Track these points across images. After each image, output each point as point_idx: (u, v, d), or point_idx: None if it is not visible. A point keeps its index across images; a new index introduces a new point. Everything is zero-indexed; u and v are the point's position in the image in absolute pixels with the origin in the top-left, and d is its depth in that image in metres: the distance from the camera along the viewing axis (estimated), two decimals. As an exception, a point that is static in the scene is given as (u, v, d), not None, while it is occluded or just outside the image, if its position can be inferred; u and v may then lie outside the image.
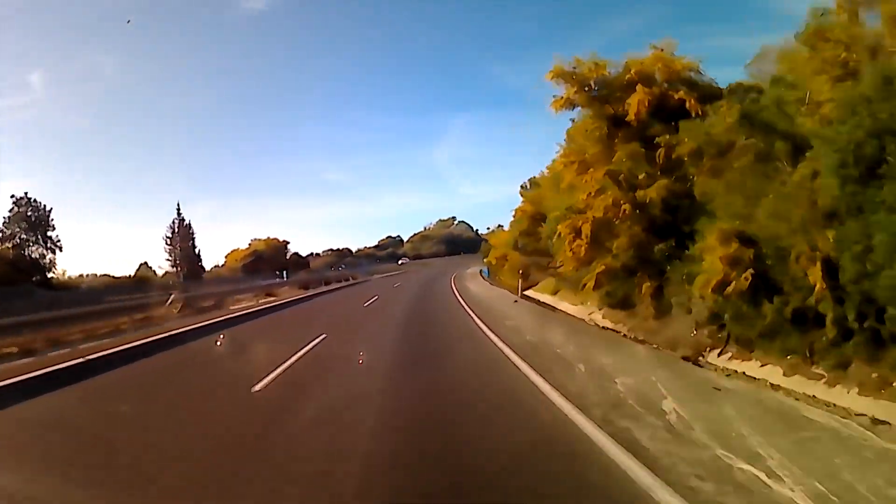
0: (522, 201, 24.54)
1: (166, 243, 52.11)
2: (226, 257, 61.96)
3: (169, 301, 17.90)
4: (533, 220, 21.83)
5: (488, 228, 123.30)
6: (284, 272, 34.34)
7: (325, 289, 31.09)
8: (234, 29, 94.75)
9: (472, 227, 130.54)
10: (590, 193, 9.83)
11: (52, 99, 65.51)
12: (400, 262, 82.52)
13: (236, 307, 21.38)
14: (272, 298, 24.42)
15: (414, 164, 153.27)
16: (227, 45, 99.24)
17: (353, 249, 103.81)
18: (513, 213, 27.12)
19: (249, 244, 61.40)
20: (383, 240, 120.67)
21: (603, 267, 10.80)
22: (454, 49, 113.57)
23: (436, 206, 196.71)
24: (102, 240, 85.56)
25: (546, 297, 19.01)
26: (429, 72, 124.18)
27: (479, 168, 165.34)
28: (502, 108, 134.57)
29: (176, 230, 52.51)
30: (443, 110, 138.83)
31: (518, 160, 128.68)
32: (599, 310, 14.32)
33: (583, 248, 9.86)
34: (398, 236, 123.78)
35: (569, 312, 15.31)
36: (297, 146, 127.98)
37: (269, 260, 58.39)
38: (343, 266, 58.48)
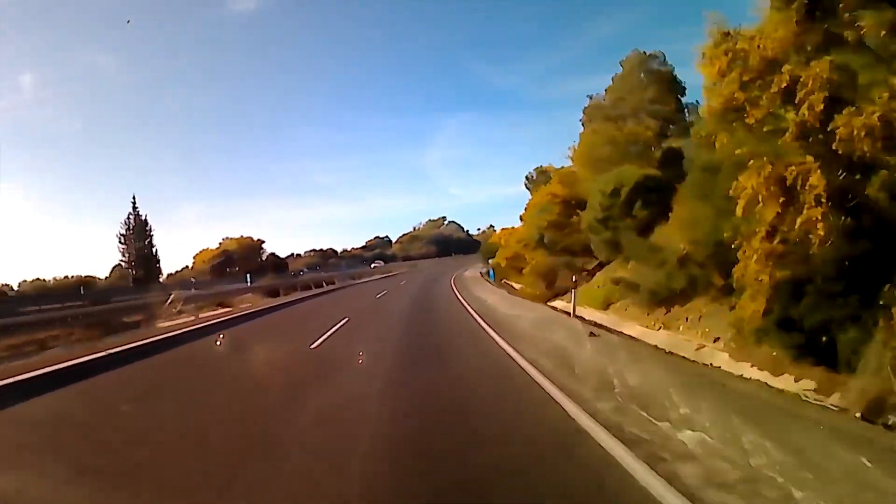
0: (542, 186, 19.14)
1: (120, 242, 45.84)
2: (194, 258, 55.65)
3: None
4: (565, 208, 16.37)
5: (479, 229, 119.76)
6: (248, 276, 28.33)
7: (290, 298, 25.11)
8: (222, 30, 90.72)
9: (462, 228, 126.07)
10: (808, 107, 4.26)
11: (39, 101, 60.43)
12: (373, 265, 63.72)
13: (166, 325, 15.61)
14: (217, 313, 18.60)
15: (404, 166, 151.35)
16: (215, 46, 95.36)
17: (339, 250, 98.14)
18: (527, 204, 21.76)
19: (220, 244, 55.10)
20: (371, 240, 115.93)
21: (788, 273, 5.31)
22: (445, 51, 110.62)
23: (425, 208, 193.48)
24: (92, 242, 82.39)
25: (596, 315, 13.38)
26: (421, 74, 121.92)
27: (469, 169, 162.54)
28: (493, 109, 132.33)
29: (131, 227, 46.17)
30: (433, 112, 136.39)
31: (508, 161, 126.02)
32: (714, 342, 8.83)
33: (818, 224, 4.28)
34: (386, 237, 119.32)
35: (651, 342, 9.75)
36: (288, 148, 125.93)
37: (241, 261, 52.16)
38: (304, 270, 50.04)
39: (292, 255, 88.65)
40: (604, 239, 14.98)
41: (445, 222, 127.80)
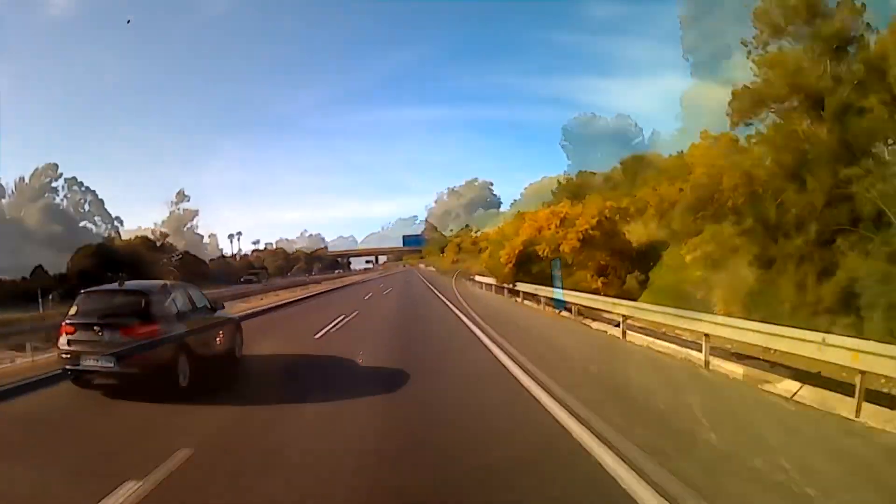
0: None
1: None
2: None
3: None
4: None
5: (451, 230, 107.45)
6: (41, 296, 13.39)
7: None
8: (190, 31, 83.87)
9: (436, 228, 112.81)
10: None
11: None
12: (243, 279, 40.82)
13: None
14: None
15: (374, 169, 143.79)
16: (180, 47, 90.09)
17: (291, 251, 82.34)
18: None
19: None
20: (333, 241, 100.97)
21: None
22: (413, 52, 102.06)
23: (397, 210, 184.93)
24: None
25: None
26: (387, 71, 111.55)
27: (439, 171, 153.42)
28: (460, 108, 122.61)
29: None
30: (401, 111, 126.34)
31: (480, 168, 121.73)
32: None
33: None
34: (351, 236, 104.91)
35: None
36: (258, 151, 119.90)
37: (132, 259, 36.09)
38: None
39: (234, 255, 72.36)
40: None
41: (417, 221, 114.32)
